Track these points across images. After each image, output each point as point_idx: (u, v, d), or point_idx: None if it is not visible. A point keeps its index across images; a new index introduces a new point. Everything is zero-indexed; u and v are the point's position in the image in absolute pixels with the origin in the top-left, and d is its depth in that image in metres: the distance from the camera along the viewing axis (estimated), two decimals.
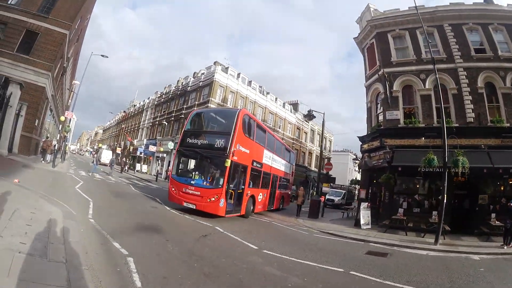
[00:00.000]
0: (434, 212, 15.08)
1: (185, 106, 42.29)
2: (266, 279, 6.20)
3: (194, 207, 12.96)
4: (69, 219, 7.65)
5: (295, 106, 55.69)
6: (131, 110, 74.43)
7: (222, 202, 12.73)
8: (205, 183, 13.62)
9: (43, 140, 29.70)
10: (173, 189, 13.89)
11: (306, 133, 57.12)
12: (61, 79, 36.14)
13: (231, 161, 12.84)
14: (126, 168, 41.58)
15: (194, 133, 15.01)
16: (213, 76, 37.92)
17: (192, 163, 15.72)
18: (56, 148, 25.55)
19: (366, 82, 22.65)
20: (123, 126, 76.00)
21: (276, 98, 49.51)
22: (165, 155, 39.35)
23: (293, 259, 8.15)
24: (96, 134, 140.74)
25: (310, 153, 58.42)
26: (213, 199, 12.71)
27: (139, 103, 71.59)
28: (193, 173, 14.50)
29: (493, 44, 18.50)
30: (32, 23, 23.70)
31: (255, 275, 6.38)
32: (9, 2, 23.43)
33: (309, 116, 23.39)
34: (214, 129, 15.51)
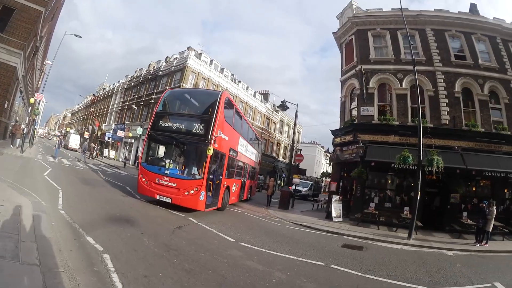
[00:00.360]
0: (406, 208, 15.56)
1: (155, 91, 41.36)
2: (249, 275, 5.98)
3: (170, 201, 11.52)
4: (39, 211, 7.12)
5: (265, 96, 55.55)
6: (101, 93, 72.12)
7: (203, 195, 11.42)
8: (180, 173, 12.20)
9: (12, 123, 28.43)
10: (144, 179, 12.17)
11: (275, 123, 57.00)
12: (33, 59, 34.29)
13: (213, 149, 11.56)
14: (95, 153, 40.26)
15: (168, 116, 13.14)
16: (186, 61, 37.38)
17: (164, 150, 13.87)
18: (25, 132, 24.14)
19: (341, 77, 22.73)
20: (91, 109, 73.71)
21: (247, 87, 49.05)
22: (133, 140, 38.37)
23: (272, 252, 8.04)
24: (64, 117, 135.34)
25: (279, 144, 58.55)
26: (192, 192, 11.29)
27: (109, 87, 69.22)
28: (167, 161, 12.77)
29: (474, 53, 19.07)
30: None
31: (238, 270, 6.15)
32: None
33: (282, 106, 22.72)
34: (192, 112, 13.86)
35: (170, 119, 12.90)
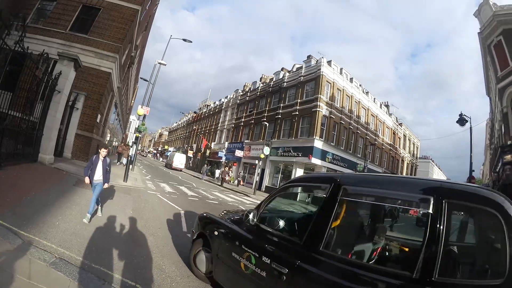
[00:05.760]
0: None
1: (281, 105, 38.28)
2: None
3: None
4: None
5: (387, 107, 51.06)
6: (204, 110, 72.24)
7: None
8: None
9: (119, 144, 28.04)
10: None
11: (400, 138, 52.00)
12: (128, 71, 31.51)
13: None
14: (228, 178, 36.72)
15: None
16: (319, 69, 33.81)
17: None
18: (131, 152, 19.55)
19: (498, 84, 20.86)
20: (194, 127, 73.84)
21: (374, 98, 44.83)
22: (256, 161, 34.05)
23: None
24: (160, 135, 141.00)
25: (403, 161, 53.20)
26: None
27: (214, 103, 70.07)
28: None
29: None
30: None
31: None
32: None
33: (461, 120, 21.42)
34: None
35: None
